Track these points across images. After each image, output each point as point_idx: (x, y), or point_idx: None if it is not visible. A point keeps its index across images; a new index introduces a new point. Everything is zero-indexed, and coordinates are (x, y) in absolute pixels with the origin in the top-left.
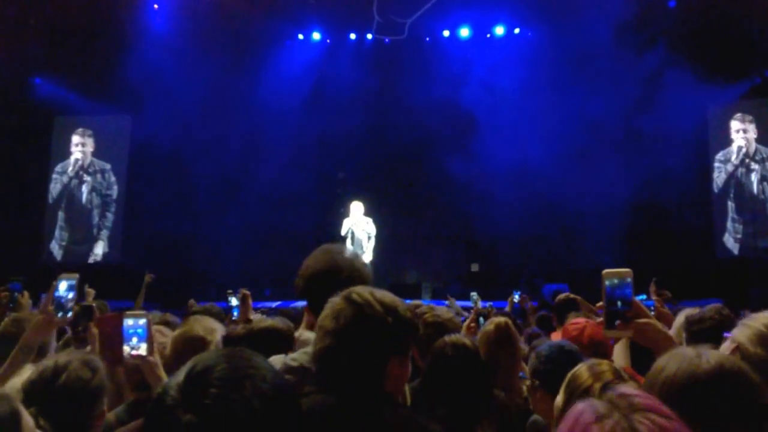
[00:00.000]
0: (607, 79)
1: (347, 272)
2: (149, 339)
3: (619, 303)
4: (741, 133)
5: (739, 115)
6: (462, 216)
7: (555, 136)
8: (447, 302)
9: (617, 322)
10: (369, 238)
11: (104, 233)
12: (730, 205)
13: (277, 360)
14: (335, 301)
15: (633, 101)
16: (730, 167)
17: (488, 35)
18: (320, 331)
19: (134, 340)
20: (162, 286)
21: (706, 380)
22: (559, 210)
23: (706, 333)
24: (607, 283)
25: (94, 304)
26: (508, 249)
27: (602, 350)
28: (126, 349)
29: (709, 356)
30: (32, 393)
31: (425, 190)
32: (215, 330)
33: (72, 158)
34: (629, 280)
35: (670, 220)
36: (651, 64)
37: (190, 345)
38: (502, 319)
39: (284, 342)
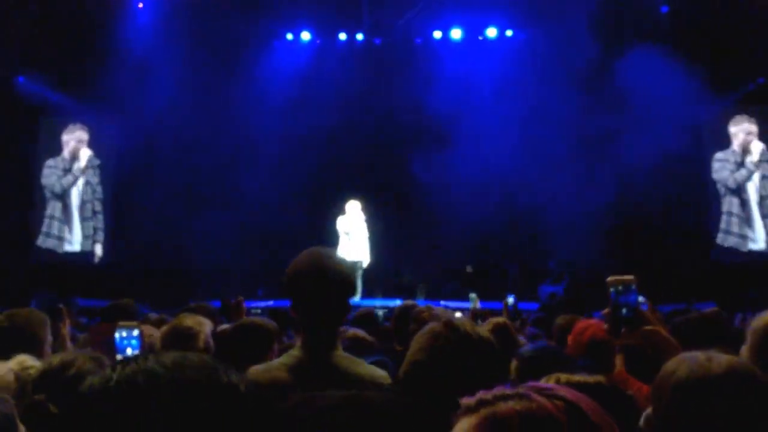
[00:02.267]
0: (598, 84)
1: (333, 275)
2: (143, 349)
3: (624, 310)
4: (740, 132)
5: (738, 115)
6: (457, 217)
7: (548, 138)
8: (470, 301)
9: (623, 330)
10: (365, 240)
11: (99, 233)
12: (734, 202)
13: (275, 365)
14: (435, 326)
15: (625, 105)
16: (731, 166)
17: (480, 37)
18: (416, 344)
19: (128, 351)
20: (154, 285)
21: (718, 383)
22: (555, 211)
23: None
24: (611, 289)
25: (61, 306)
26: (504, 250)
27: (603, 351)
28: (119, 358)
29: (720, 360)
30: (42, 383)
31: (419, 191)
32: (204, 323)
33: (65, 152)
34: (634, 287)
35: (666, 222)
36: (643, 68)
37: (180, 336)
38: (500, 319)
39: (266, 339)
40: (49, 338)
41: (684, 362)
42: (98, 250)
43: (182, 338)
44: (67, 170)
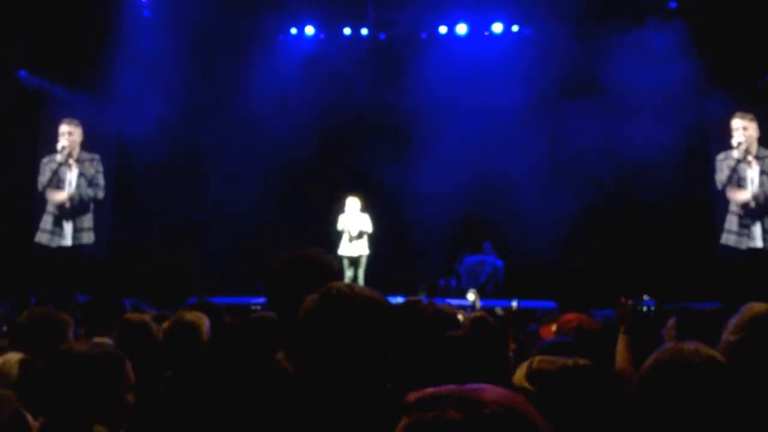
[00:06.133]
0: (603, 79)
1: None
2: None
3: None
4: (742, 130)
5: (740, 113)
6: (458, 215)
7: (550, 134)
8: (469, 300)
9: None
10: (363, 234)
11: (95, 228)
12: (734, 201)
13: None
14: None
15: (629, 101)
16: (732, 164)
17: (486, 33)
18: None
19: None
20: (153, 281)
21: (683, 365)
22: (555, 210)
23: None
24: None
25: None
26: (505, 248)
27: (597, 344)
28: None
29: (689, 345)
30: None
31: (420, 187)
32: (203, 318)
33: (59, 146)
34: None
35: (671, 221)
36: (649, 64)
37: (183, 330)
38: (478, 312)
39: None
40: (71, 337)
41: (659, 350)
42: (90, 243)
43: (185, 332)
44: (64, 164)
